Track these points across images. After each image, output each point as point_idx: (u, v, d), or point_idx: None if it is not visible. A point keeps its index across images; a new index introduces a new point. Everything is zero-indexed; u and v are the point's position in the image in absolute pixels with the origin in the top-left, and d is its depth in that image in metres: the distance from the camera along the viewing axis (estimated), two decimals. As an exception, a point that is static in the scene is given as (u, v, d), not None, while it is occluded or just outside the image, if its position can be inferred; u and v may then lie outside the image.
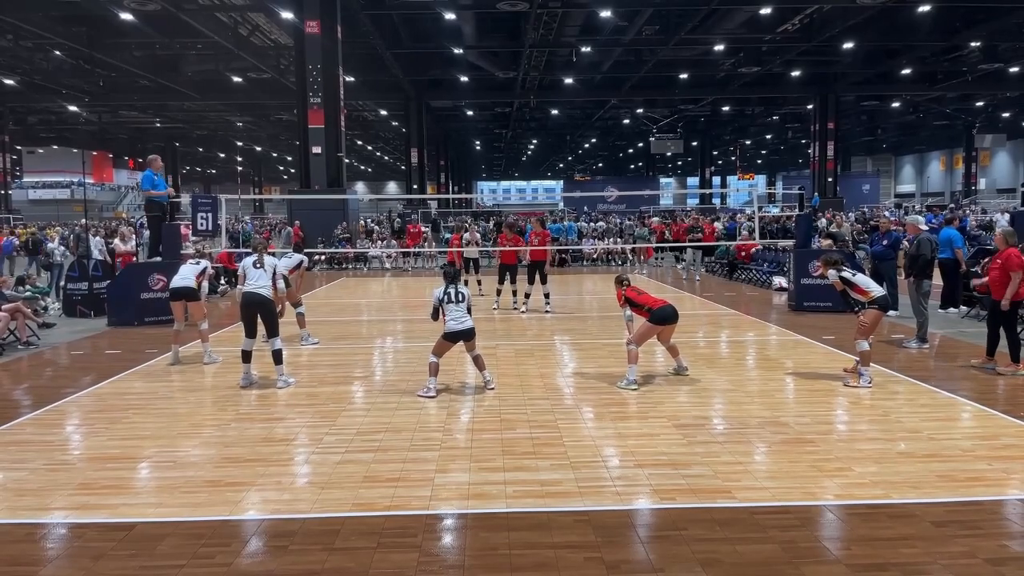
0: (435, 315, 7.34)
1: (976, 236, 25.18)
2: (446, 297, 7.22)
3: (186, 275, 9.01)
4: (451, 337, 7.23)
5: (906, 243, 12.60)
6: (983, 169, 56.98)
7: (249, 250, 9.91)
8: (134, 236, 16.37)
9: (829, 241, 15.79)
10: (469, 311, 7.36)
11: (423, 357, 9.24)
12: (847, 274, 7.65)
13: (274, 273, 7.79)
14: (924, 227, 9.92)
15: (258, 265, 7.71)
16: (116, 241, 16.71)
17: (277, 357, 7.68)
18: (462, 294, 7.30)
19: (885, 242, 12.39)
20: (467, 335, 7.28)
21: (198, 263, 9.27)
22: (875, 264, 12.67)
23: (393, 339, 11.05)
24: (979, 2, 24.72)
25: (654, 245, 23.10)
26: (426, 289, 17.10)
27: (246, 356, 7.72)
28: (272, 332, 7.73)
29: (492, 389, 7.44)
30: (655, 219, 30.22)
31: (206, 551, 3.98)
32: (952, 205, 38.92)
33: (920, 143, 64.59)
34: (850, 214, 34.82)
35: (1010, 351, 7.96)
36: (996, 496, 4.64)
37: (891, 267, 12.28)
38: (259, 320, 7.68)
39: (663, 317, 7.68)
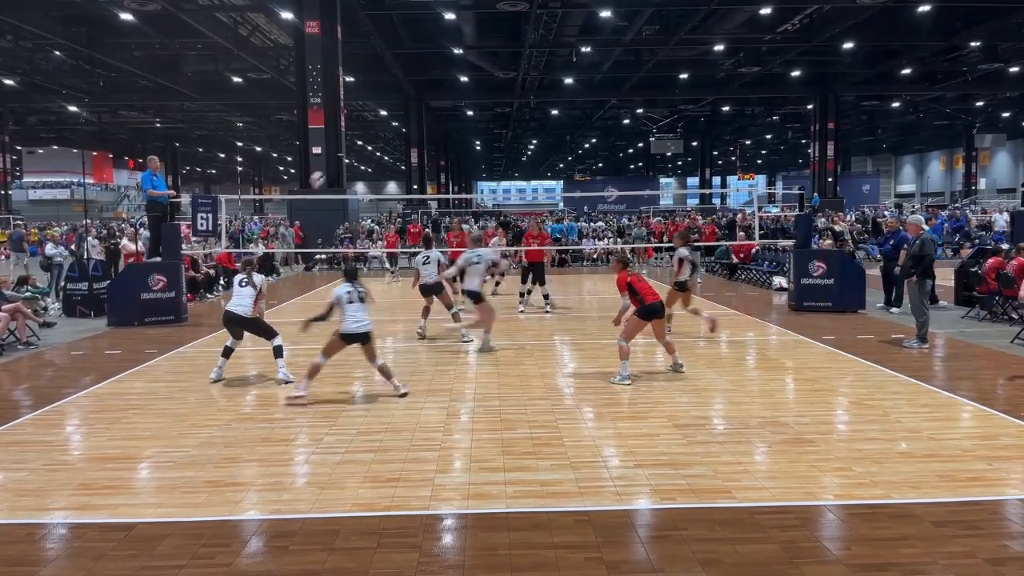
0: (327, 314, 7.01)
1: (976, 236, 25.22)
2: (347, 296, 6.96)
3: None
4: (347, 339, 6.93)
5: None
6: (983, 169, 56.95)
7: (250, 250, 9.92)
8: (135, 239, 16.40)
9: (831, 241, 15.82)
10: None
11: (423, 357, 9.27)
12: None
13: (259, 292, 7.94)
14: (925, 227, 9.93)
15: (244, 283, 7.87)
16: (124, 241, 16.73)
17: (277, 351, 7.91)
18: (363, 293, 7.04)
19: (892, 242, 12.49)
20: (364, 339, 6.96)
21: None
22: (885, 264, 12.80)
23: (393, 339, 11.03)
24: (979, 2, 24.71)
25: (653, 245, 23.08)
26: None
27: (226, 351, 8.04)
28: (269, 336, 7.96)
29: (405, 396, 7.13)
30: (656, 220, 30.21)
31: (206, 551, 3.98)
32: (924, 204, 38.98)
33: (920, 143, 64.55)
34: (850, 214, 34.86)
35: None
36: (996, 496, 4.64)
37: (895, 267, 12.35)
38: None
39: (650, 312, 7.69)
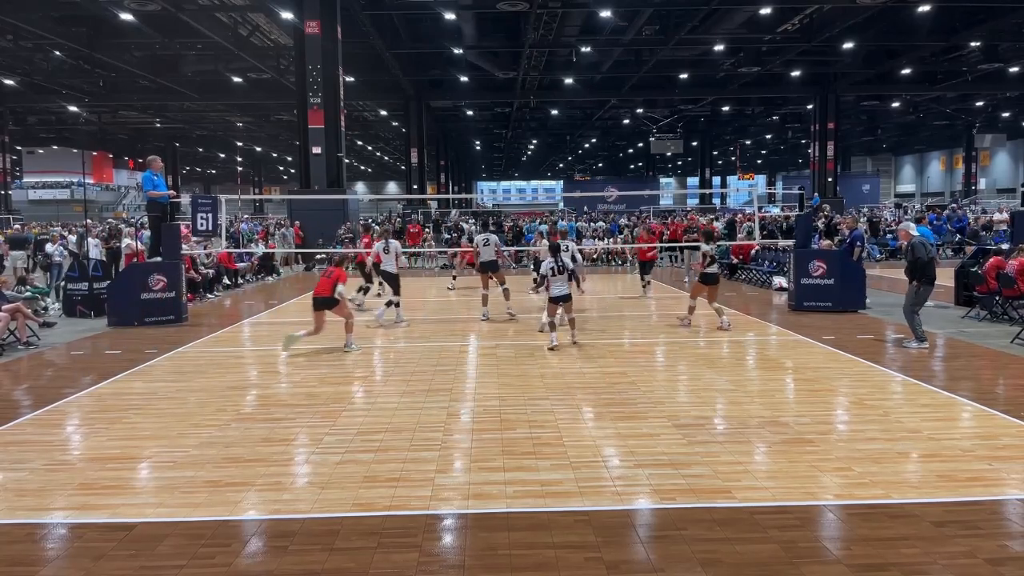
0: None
1: (976, 236, 25.22)
2: None
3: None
4: None
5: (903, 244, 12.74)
6: (983, 169, 57.01)
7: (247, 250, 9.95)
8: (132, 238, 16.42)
9: (829, 242, 15.82)
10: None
11: (423, 357, 9.28)
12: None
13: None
14: (915, 232, 9.84)
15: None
16: (127, 241, 16.73)
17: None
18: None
19: (847, 241, 13.87)
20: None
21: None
22: None
23: (394, 339, 11.04)
24: (979, 2, 24.71)
25: (654, 246, 23.01)
26: (426, 290, 17.10)
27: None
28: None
29: None
30: (654, 220, 30.24)
31: (206, 551, 3.98)
32: (924, 204, 39.24)
33: (920, 143, 64.57)
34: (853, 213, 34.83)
35: None
36: (996, 496, 4.63)
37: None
38: None
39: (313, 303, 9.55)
